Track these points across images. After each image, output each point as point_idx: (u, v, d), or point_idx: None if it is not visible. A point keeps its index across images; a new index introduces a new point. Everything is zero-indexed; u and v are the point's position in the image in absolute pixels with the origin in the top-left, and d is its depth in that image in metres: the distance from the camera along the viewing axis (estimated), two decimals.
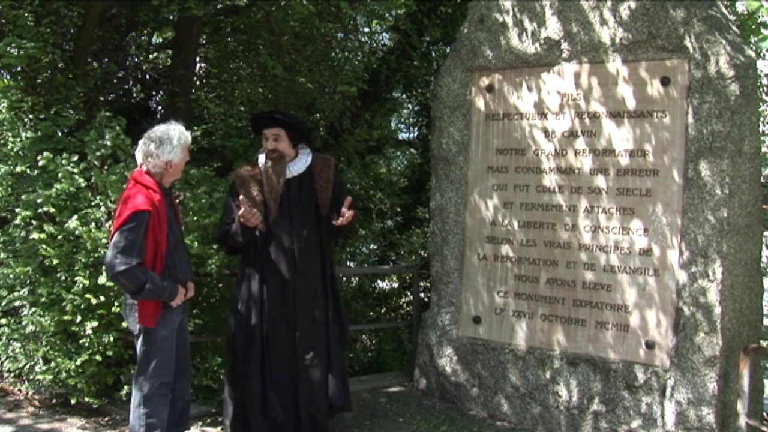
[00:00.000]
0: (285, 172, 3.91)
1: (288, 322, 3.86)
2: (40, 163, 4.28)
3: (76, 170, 4.26)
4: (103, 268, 4.01)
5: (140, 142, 3.34)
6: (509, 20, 4.66)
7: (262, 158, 3.98)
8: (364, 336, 7.38)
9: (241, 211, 3.65)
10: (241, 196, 3.73)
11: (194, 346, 4.23)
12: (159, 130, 3.32)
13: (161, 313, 3.25)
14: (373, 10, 7.06)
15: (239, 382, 3.86)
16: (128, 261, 3.09)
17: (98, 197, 4.28)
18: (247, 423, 3.83)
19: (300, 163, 3.96)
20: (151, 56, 7.61)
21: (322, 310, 3.94)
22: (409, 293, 7.72)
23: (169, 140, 3.28)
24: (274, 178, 3.87)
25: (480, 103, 4.86)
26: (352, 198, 3.87)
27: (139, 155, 3.33)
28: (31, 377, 4.49)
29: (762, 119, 8.61)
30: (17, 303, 4.42)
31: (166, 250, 3.25)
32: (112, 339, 4.15)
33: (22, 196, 4.31)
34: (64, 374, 4.21)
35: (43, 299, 4.17)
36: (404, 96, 8.58)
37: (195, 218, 4.32)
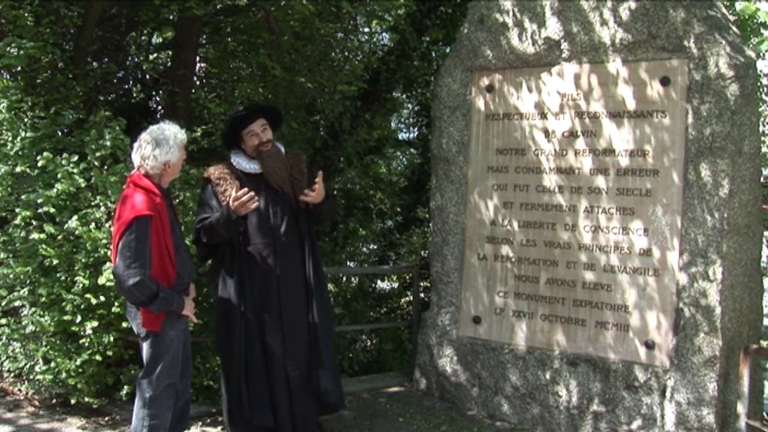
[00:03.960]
0: (285, 157, 3.87)
1: (272, 319, 3.78)
2: (40, 163, 4.28)
3: (76, 170, 4.26)
4: (104, 269, 4.01)
5: (135, 145, 3.30)
6: (509, 20, 4.66)
7: (238, 159, 3.87)
8: (364, 336, 7.38)
9: (237, 194, 3.47)
10: (235, 187, 3.61)
11: (194, 346, 4.22)
12: (154, 131, 3.28)
13: (167, 315, 3.23)
14: (373, 10, 7.05)
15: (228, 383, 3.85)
16: (141, 271, 3.05)
17: (98, 197, 4.28)
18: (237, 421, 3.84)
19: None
20: (151, 56, 7.60)
21: (306, 305, 3.85)
22: (409, 293, 7.72)
23: (165, 140, 3.25)
24: (281, 165, 3.81)
25: (480, 103, 4.86)
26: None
27: (136, 158, 3.28)
28: (31, 377, 4.49)
29: (762, 119, 8.61)
30: (17, 303, 4.42)
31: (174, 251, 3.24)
32: (112, 339, 4.15)
33: (22, 196, 4.31)
34: (64, 374, 4.21)
35: (43, 299, 4.17)
36: (404, 96, 8.58)
37: (195, 218, 4.32)
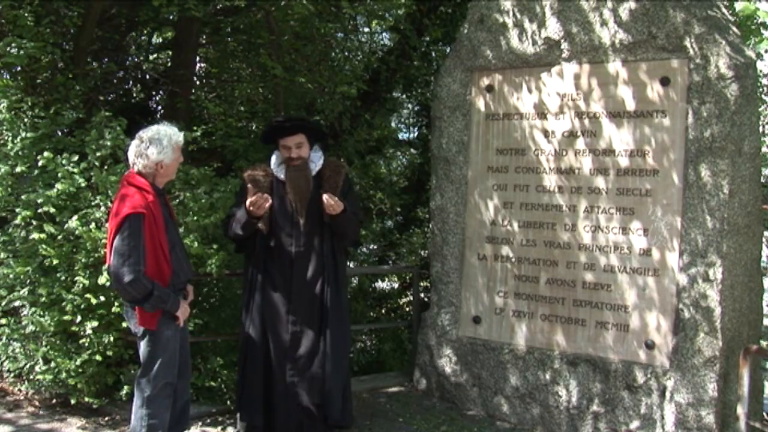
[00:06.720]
0: (311, 177, 3.87)
1: (284, 325, 3.84)
2: (40, 163, 4.28)
3: (76, 170, 4.26)
4: (103, 269, 4.01)
5: (132, 143, 3.33)
6: (509, 20, 4.66)
7: (274, 161, 3.96)
8: (364, 336, 7.38)
9: (252, 198, 3.67)
10: (249, 185, 3.77)
11: (194, 347, 4.23)
12: (150, 130, 3.31)
13: (162, 314, 3.24)
14: (373, 10, 7.06)
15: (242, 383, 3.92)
16: (136, 268, 3.08)
17: (98, 197, 4.28)
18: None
19: (310, 166, 3.93)
20: (151, 56, 7.61)
21: (319, 316, 3.87)
22: (409, 293, 7.72)
23: (159, 141, 3.26)
24: (302, 184, 3.83)
25: (480, 103, 4.86)
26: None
27: (130, 156, 3.31)
28: (31, 377, 4.49)
29: (762, 119, 8.61)
30: (17, 303, 4.42)
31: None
32: (112, 339, 4.15)
33: (22, 196, 4.31)
34: (64, 374, 4.21)
35: (43, 299, 4.17)
36: (404, 96, 8.59)
37: (195, 218, 4.32)
